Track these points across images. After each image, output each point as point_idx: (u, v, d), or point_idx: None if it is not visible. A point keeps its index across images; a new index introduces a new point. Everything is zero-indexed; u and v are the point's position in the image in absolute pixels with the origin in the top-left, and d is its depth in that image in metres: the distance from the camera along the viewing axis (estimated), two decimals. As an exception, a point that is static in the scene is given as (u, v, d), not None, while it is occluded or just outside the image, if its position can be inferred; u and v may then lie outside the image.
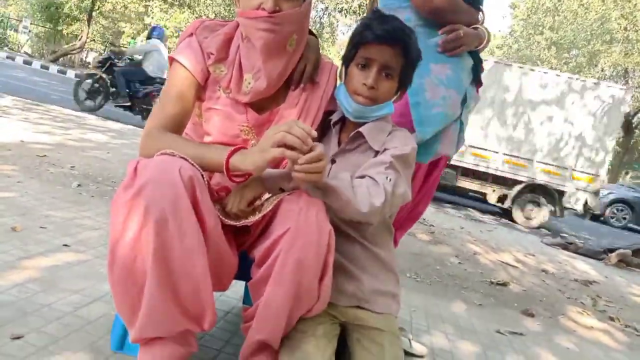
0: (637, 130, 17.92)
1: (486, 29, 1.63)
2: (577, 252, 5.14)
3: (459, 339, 2.10)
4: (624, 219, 11.61)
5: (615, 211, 11.62)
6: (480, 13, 1.63)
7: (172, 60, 1.27)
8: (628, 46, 15.37)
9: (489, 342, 2.15)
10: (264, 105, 1.30)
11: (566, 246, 5.25)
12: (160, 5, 20.13)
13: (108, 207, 1.07)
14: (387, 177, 1.17)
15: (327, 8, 18.57)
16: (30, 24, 22.90)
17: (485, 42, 1.62)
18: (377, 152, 1.28)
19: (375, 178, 1.17)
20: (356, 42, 1.27)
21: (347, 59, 1.31)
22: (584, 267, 4.42)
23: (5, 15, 22.58)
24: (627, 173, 18.37)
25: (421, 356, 1.80)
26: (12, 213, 2.21)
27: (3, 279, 1.57)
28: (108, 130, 5.75)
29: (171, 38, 19.85)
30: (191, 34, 1.28)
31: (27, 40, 23.65)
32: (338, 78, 1.37)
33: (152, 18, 20.49)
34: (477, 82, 1.69)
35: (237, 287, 1.94)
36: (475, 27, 1.60)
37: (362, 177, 1.19)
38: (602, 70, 16.55)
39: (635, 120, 17.54)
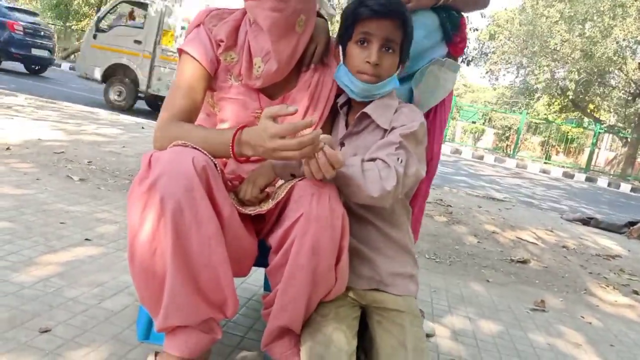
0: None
1: None
2: (598, 227, 5.06)
3: (481, 318, 2.09)
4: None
5: None
6: None
7: (181, 51, 1.26)
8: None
9: (512, 320, 2.14)
10: (276, 91, 1.29)
11: (587, 221, 5.17)
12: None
13: (126, 200, 1.08)
14: (398, 159, 1.16)
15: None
16: (41, 22, 23.07)
17: None
18: (385, 131, 1.26)
19: (387, 160, 1.15)
20: (353, 20, 1.24)
21: (343, 38, 1.28)
22: (606, 241, 4.35)
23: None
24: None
25: (430, 335, 1.79)
26: (32, 210, 2.25)
27: (28, 275, 1.61)
28: (121, 125, 5.80)
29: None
30: (199, 25, 1.27)
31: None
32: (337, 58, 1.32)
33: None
34: (448, 39, 1.56)
35: (258, 274, 1.96)
36: None
37: (373, 159, 1.18)
38: (617, 42, 15.99)
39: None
